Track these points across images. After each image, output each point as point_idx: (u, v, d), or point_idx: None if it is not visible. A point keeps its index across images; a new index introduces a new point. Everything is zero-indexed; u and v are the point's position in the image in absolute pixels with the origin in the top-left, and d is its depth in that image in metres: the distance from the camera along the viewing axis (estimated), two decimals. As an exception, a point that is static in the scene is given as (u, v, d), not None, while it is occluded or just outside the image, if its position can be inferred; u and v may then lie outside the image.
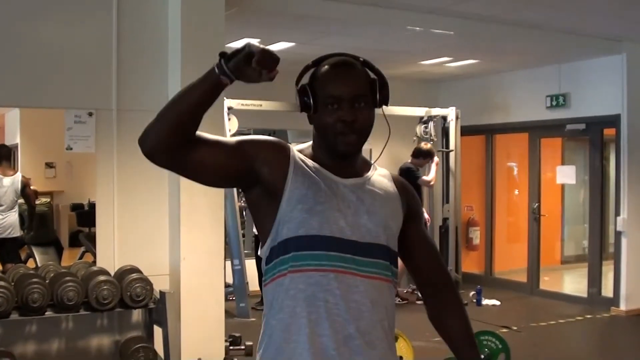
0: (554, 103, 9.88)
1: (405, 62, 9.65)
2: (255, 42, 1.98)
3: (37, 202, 9.84)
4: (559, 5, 7.09)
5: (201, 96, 2.04)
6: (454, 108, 9.90)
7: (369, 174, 2.29)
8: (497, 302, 9.34)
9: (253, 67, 1.97)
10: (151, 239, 5.88)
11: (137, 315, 5.86)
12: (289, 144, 2.25)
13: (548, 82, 10.00)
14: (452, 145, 9.90)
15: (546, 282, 10.57)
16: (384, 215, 2.23)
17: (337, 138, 2.17)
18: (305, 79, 2.25)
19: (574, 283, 11.09)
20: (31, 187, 8.86)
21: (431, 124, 10.04)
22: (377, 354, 2.15)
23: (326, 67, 2.24)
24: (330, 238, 2.12)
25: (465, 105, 10.28)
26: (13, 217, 8.13)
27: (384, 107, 2.27)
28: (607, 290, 9.45)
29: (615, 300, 9.20)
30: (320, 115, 2.18)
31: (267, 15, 7.02)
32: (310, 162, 2.21)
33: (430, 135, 10.05)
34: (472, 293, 9.40)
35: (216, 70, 2.02)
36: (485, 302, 9.29)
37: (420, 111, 9.99)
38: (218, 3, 5.93)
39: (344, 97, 2.16)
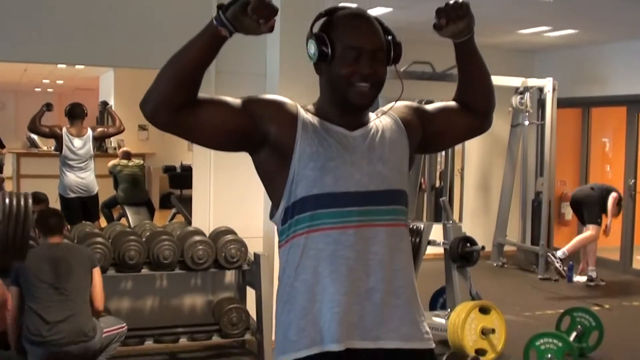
0: (656, 76, 9.55)
1: (503, 30, 9.43)
2: None
3: (130, 163, 10.02)
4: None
5: (201, 50, 2.00)
6: (551, 79, 9.64)
7: (373, 120, 2.26)
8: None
9: (250, 16, 1.91)
10: (246, 202, 5.90)
11: (230, 276, 5.94)
12: (294, 102, 2.20)
13: (649, 55, 9.66)
14: (547, 118, 9.65)
15: (639, 262, 10.29)
16: (395, 157, 2.22)
17: (351, 89, 2.12)
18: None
19: (668, 263, 10.78)
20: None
21: (527, 95, 9.79)
22: (401, 302, 2.16)
23: (345, 16, 2.20)
24: (346, 193, 2.11)
25: (561, 77, 9.98)
26: (91, 176, 8.20)
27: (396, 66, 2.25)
28: None
29: None
30: (337, 65, 2.13)
31: (365, -21, 6.93)
32: (317, 119, 2.17)
33: (526, 106, 9.82)
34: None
35: (214, 21, 1.97)
36: (576, 278, 9.09)
37: (516, 81, 9.75)
38: (320, -36, 5.87)
39: (365, 49, 2.13)
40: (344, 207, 2.10)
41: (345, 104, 2.16)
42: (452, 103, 2.42)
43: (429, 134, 2.35)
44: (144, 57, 5.87)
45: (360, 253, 2.10)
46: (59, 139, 7.94)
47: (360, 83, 2.11)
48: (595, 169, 11.20)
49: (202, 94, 2.05)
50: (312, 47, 2.15)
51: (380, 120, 2.27)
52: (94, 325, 4.65)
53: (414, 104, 2.40)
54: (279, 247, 2.21)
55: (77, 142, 7.95)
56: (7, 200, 4.68)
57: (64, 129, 7.90)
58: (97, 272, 4.76)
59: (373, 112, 2.31)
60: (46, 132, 8.12)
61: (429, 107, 2.41)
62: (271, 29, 1.97)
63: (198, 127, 2.06)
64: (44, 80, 18.16)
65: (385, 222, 2.15)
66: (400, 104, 2.36)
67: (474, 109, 2.40)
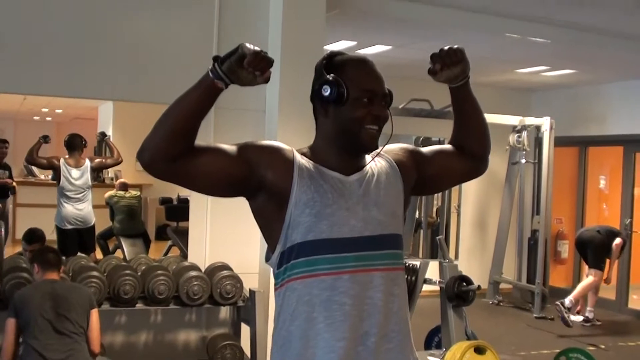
0: (652, 117, 9.60)
1: (501, 69, 9.50)
2: (248, 44, 1.95)
3: (127, 194, 10.01)
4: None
5: (197, 102, 2.02)
6: (548, 118, 9.68)
7: (369, 163, 2.27)
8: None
9: (246, 69, 1.94)
10: (242, 237, 5.88)
11: (225, 312, 5.92)
12: (290, 147, 2.22)
13: (647, 96, 9.72)
14: (544, 156, 9.67)
15: (635, 301, 10.27)
16: (390, 202, 2.23)
17: (363, 131, 2.15)
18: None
19: (664, 303, 10.76)
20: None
21: (524, 134, 9.83)
22: (393, 346, 2.17)
23: (353, 61, 2.23)
24: (341, 239, 2.12)
25: (559, 116, 10.03)
26: (88, 207, 8.21)
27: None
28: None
29: None
30: (350, 107, 2.15)
31: (366, 17, 6.98)
32: (313, 164, 2.18)
33: (523, 145, 9.86)
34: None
35: (210, 74, 1.99)
36: (572, 318, 9.06)
37: (513, 120, 9.80)
38: (320, 5, 5.92)
39: (378, 92, 2.18)
40: (339, 253, 2.12)
41: (354, 147, 2.19)
42: (448, 146, 2.44)
43: (424, 177, 2.37)
44: (143, 91, 5.91)
45: (355, 298, 2.11)
46: (56, 170, 7.93)
47: (372, 126, 2.15)
48: (592, 208, 11.23)
49: (199, 141, 2.07)
50: (328, 89, 2.15)
51: (375, 162, 2.28)
52: None
53: (410, 146, 2.43)
54: (275, 289, 2.22)
55: (75, 173, 7.94)
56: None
57: (62, 160, 7.90)
58: (95, 313, 4.72)
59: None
60: (44, 164, 8.13)
61: (425, 150, 2.43)
62: (267, 80, 2.00)
63: (195, 175, 2.08)
64: (43, 109, 18.17)
65: (381, 267, 2.16)
66: (396, 146, 2.38)
67: (470, 152, 2.42)
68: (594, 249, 9.07)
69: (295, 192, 2.12)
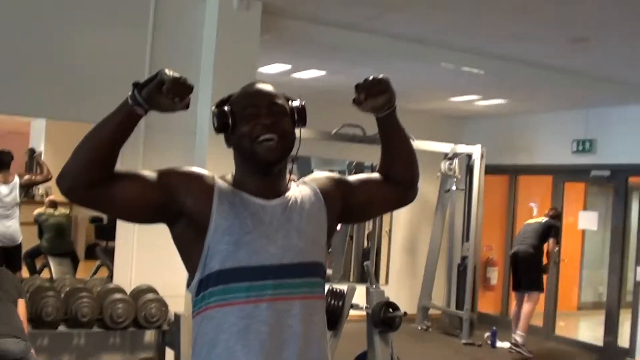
0: (580, 148, 9.82)
1: (435, 97, 9.63)
2: (167, 70, 1.97)
3: (56, 212, 9.84)
4: (594, 52, 7.04)
5: (116, 128, 2.00)
6: (479, 146, 9.82)
7: (293, 189, 2.26)
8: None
9: (165, 96, 1.94)
10: (169, 259, 5.71)
11: (150, 335, 5.84)
12: (212, 173, 2.23)
13: (575, 127, 9.95)
14: (475, 184, 9.81)
15: (562, 328, 10.44)
16: (312, 230, 2.21)
17: (257, 145, 2.14)
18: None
19: (590, 330, 10.96)
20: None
21: (456, 161, 9.96)
22: None
23: (241, 89, 2.27)
24: (259, 267, 2.10)
25: (490, 144, 10.19)
26: (16, 224, 8.08)
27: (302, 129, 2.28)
28: (623, 340, 9.28)
29: (631, 351, 9.02)
30: (239, 128, 2.17)
31: (299, 43, 7.01)
32: (234, 191, 2.18)
33: (454, 172, 9.98)
34: (486, 334, 9.29)
35: (129, 100, 1.98)
36: (499, 344, 9.17)
37: (445, 147, 9.91)
38: (254, 28, 5.92)
39: (261, 104, 2.18)
40: (258, 280, 2.10)
41: (256, 165, 2.17)
42: (376, 175, 2.44)
43: (350, 206, 2.36)
44: (74, 109, 5.83)
45: (274, 327, 2.09)
46: None
47: (265, 135, 2.13)
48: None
49: (119, 167, 2.04)
50: (215, 121, 2.20)
51: (299, 190, 2.27)
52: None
53: (336, 175, 2.43)
54: (192, 317, 2.19)
55: (4, 189, 7.79)
56: None
57: None
58: (22, 303, 4.64)
59: (296, 180, 2.33)
60: None
61: (352, 178, 2.42)
62: (186, 107, 2.00)
63: (113, 202, 2.05)
64: (-27, 123, 17.80)
65: (300, 295, 2.15)
66: (322, 174, 2.39)
67: (398, 180, 2.42)
68: (528, 271, 9.15)
69: (215, 219, 2.11)
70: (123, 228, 5.97)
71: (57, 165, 9.81)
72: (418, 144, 9.07)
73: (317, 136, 8.15)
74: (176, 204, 2.11)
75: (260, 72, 7.01)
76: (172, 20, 6.00)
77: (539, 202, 11.48)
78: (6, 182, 7.86)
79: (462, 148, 9.99)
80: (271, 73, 8.04)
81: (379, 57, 7.33)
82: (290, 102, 2.25)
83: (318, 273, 2.22)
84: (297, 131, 2.24)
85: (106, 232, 10.87)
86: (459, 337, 9.62)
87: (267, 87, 2.24)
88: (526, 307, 8.96)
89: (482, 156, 9.80)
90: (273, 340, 2.08)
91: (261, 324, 2.08)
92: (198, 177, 2.17)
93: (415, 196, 2.49)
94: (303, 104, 2.26)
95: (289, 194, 2.23)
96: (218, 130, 2.21)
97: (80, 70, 5.80)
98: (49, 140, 13.69)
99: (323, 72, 8.16)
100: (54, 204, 9.96)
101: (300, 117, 2.24)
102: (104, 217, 11.97)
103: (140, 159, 5.82)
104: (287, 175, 2.29)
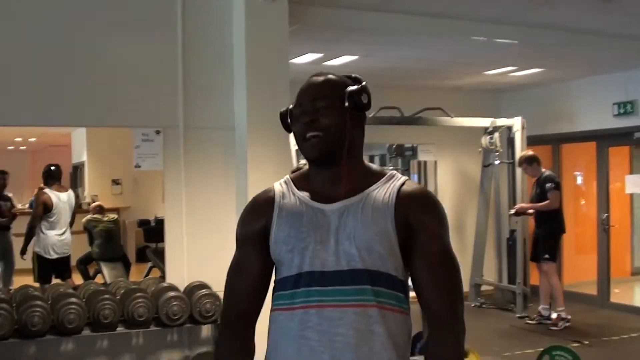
0: (622, 111, 9.69)
1: (469, 72, 9.56)
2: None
3: (104, 217, 10.00)
4: (626, 11, 6.94)
5: None
6: (519, 118, 9.74)
7: (372, 188, 2.17)
8: (567, 315, 9.13)
9: None
10: (220, 254, 5.80)
11: (206, 330, 5.90)
12: (272, 187, 2.28)
13: (615, 90, 9.82)
14: (517, 156, 9.74)
15: (617, 295, 10.32)
16: (366, 237, 2.08)
17: (304, 143, 2.16)
18: None
19: (645, 295, 10.86)
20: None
21: (496, 135, 9.89)
22: None
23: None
24: (311, 273, 2.10)
25: (530, 115, 10.10)
26: (69, 235, 8.29)
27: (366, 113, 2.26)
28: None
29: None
30: (293, 128, 2.23)
31: (329, 29, 7.02)
32: (300, 194, 2.20)
33: (496, 146, 9.92)
34: (541, 307, 9.23)
35: None
36: (554, 315, 9.10)
37: (485, 122, 9.85)
38: (282, 20, 5.94)
39: (305, 102, 2.18)
40: (306, 287, 2.10)
41: (309, 161, 2.21)
42: (434, 275, 2.14)
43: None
44: (113, 116, 5.90)
45: (323, 334, 2.06)
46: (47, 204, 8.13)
47: (309, 133, 2.14)
48: (569, 203, 11.26)
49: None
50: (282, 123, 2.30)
51: (379, 190, 2.16)
52: None
53: (427, 206, 2.20)
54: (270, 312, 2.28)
55: (63, 196, 8.31)
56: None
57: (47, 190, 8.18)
58: None
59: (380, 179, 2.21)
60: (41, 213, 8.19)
61: (423, 246, 2.14)
62: None
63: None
64: (16, 139, 18.10)
65: (353, 303, 2.07)
66: (417, 188, 2.23)
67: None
68: (544, 241, 9.05)
69: (274, 232, 2.17)
70: (172, 227, 6.02)
71: (100, 172, 10.11)
72: (457, 121, 9.16)
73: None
74: (265, 243, 2.21)
75: (293, 63, 7.03)
76: (200, 20, 6.03)
77: (584, 169, 11.38)
78: (62, 191, 8.15)
79: (502, 121, 9.92)
80: (303, 63, 8.06)
81: (410, 36, 7.30)
82: (345, 88, 2.19)
83: (374, 281, 2.08)
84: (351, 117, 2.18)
85: (155, 234, 11.06)
86: (513, 311, 9.58)
87: (316, 80, 2.22)
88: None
89: (522, 127, 9.72)
90: (322, 348, 2.06)
91: (310, 330, 2.07)
92: (255, 207, 2.27)
93: None
94: (355, 88, 2.17)
95: (362, 194, 2.15)
96: (288, 131, 2.29)
97: (116, 77, 5.85)
98: (91, 149, 13.95)
99: (355, 57, 8.14)
100: (101, 210, 10.13)
101: (351, 101, 2.16)
102: (152, 219, 12.18)
103: (181, 157, 5.88)
104: (367, 169, 2.25)
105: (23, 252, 8.39)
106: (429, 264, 2.12)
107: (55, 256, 8.01)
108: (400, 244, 2.11)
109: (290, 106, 2.25)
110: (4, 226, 9.35)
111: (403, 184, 2.18)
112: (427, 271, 2.12)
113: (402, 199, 2.13)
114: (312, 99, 2.17)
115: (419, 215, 2.13)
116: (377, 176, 2.21)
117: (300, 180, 2.25)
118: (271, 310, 2.19)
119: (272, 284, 2.25)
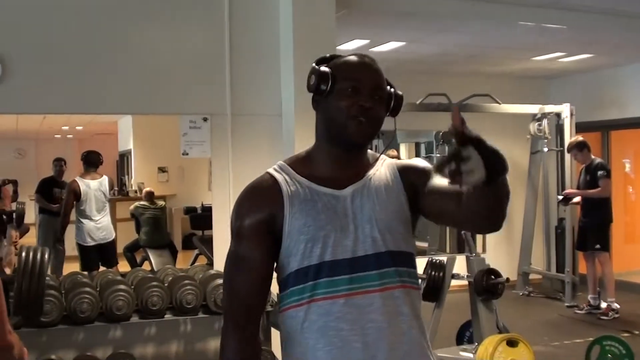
0: (673, 97, 9.51)
1: (517, 58, 9.44)
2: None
3: (152, 205, 10.07)
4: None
5: None
6: (568, 105, 9.59)
7: (371, 171, 2.16)
8: (617, 305, 8.99)
9: None
10: None
11: (254, 318, 5.89)
12: (267, 177, 2.17)
13: (666, 75, 9.63)
14: (567, 143, 9.60)
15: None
16: (386, 218, 2.09)
17: (350, 122, 2.05)
18: None
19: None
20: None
21: (545, 122, 9.76)
22: None
23: (349, 56, 2.17)
24: (334, 262, 2.03)
25: (578, 102, 9.94)
26: (106, 220, 8.30)
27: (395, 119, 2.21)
28: None
29: None
30: (336, 98, 2.08)
31: (376, 15, 6.97)
32: (305, 182, 2.12)
33: (544, 133, 9.79)
34: (589, 296, 9.09)
35: None
36: (604, 305, 8.97)
37: (533, 109, 9.72)
38: (329, 6, 5.91)
39: (366, 84, 2.08)
40: (332, 276, 2.03)
41: (341, 140, 2.10)
42: (453, 197, 1.99)
43: (418, 206, 2.18)
44: (159, 103, 5.93)
45: (354, 323, 2.01)
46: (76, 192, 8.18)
47: (361, 117, 2.05)
48: (617, 191, 11.09)
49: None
50: (313, 79, 2.15)
51: (380, 172, 2.18)
52: None
53: (417, 164, 2.23)
54: (279, 312, 2.17)
55: (93, 184, 8.27)
56: (23, 255, 4.68)
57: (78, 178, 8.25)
58: None
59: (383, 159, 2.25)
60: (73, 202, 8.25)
61: (436, 182, 2.05)
62: None
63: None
64: (63, 127, 18.30)
65: (379, 288, 2.04)
66: (406, 162, 2.26)
67: (477, 227, 2.25)
68: (587, 232, 8.87)
69: (288, 222, 2.07)
70: (219, 215, 6.05)
71: (147, 160, 10.19)
72: (505, 107, 9.05)
73: (402, 108, 8.08)
74: (272, 231, 2.10)
75: (339, 50, 6.99)
76: (247, 6, 6.02)
77: (633, 157, 11.19)
78: (95, 178, 8.16)
79: (550, 108, 9.78)
80: (350, 49, 8.01)
81: (457, 21, 7.21)
82: (390, 87, 2.17)
83: (397, 262, 2.09)
84: (388, 120, 2.18)
85: (201, 222, 11.13)
86: (562, 300, 9.48)
87: (376, 65, 2.15)
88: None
89: (571, 114, 9.57)
90: (355, 336, 2.01)
91: (339, 321, 2.01)
92: (256, 196, 2.16)
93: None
94: (401, 94, 2.18)
95: (365, 178, 2.14)
96: (311, 89, 2.16)
97: (163, 64, 5.88)
98: (137, 137, 14.06)
99: (402, 43, 8.08)
100: (151, 196, 10.18)
101: (396, 105, 2.17)
102: (198, 207, 12.24)
103: (229, 144, 5.88)
104: (370, 154, 2.22)
105: (58, 240, 8.45)
106: (437, 183, 2.03)
107: (92, 243, 8.06)
108: (411, 209, 2.16)
109: (327, 69, 2.14)
110: (56, 212, 9.38)
111: (394, 160, 2.24)
112: (438, 184, 2.02)
113: (402, 171, 2.18)
114: (374, 86, 2.09)
115: (418, 172, 2.17)
116: (369, 159, 2.21)
117: (298, 166, 2.17)
118: (287, 307, 2.10)
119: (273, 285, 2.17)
